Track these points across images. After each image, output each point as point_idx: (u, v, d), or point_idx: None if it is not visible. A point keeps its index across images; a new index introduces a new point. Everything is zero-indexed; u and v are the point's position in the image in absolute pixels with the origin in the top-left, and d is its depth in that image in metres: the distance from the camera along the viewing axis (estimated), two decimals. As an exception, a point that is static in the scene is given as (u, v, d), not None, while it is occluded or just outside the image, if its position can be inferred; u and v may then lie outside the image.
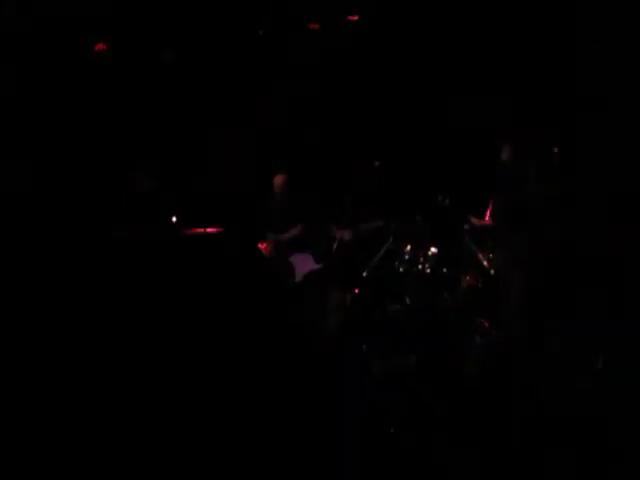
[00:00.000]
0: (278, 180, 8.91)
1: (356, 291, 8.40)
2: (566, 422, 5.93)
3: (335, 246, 8.48)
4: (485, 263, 8.15)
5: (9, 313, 8.02)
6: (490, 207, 8.31)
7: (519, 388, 6.62)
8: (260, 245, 8.82)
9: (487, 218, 8.29)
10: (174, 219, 9.06)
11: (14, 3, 9.26)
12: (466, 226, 8.27)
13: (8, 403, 6.52)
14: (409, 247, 8.40)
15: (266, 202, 9.00)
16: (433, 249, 8.37)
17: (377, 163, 8.59)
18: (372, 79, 9.12)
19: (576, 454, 5.54)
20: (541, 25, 8.85)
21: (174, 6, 9.61)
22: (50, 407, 6.48)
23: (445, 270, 8.36)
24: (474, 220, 8.27)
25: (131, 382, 7.00)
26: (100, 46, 9.49)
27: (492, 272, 8.08)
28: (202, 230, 8.94)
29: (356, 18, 8.88)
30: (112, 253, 8.87)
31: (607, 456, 5.47)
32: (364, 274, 8.44)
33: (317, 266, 8.57)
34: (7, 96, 9.20)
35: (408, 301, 8.30)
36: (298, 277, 8.62)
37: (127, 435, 6.09)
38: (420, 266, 8.36)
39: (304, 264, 8.60)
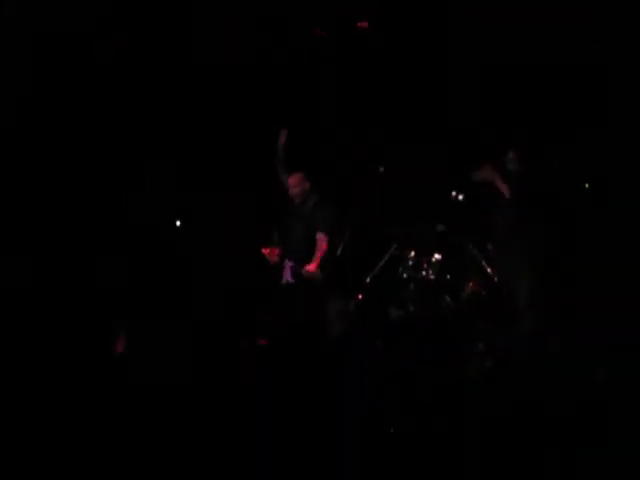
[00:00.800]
0: (293, 180, 8.14)
1: (360, 297, 8.43)
2: (566, 422, 5.98)
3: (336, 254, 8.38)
4: (489, 270, 8.19)
5: (8, 313, 8.02)
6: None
7: (520, 393, 6.66)
8: (264, 250, 8.50)
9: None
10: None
11: (14, 3, 9.19)
12: None
13: (7, 402, 6.53)
14: (413, 253, 8.44)
15: (281, 202, 8.35)
16: (437, 255, 8.41)
17: (382, 169, 8.59)
18: (375, 85, 9.11)
19: (576, 454, 5.59)
20: (542, 27, 8.87)
21: (174, 6, 9.56)
22: (50, 406, 6.48)
23: (449, 277, 8.40)
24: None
25: (130, 382, 7.01)
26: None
27: (495, 279, 8.13)
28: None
29: (365, 25, 8.79)
30: (112, 253, 8.88)
31: (607, 456, 5.52)
32: (367, 280, 8.47)
33: (291, 280, 7.95)
34: (7, 96, 9.16)
35: (411, 307, 8.35)
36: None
37: (128, 434, 6.11)
38: (424, 272, 8.40)
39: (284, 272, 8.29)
